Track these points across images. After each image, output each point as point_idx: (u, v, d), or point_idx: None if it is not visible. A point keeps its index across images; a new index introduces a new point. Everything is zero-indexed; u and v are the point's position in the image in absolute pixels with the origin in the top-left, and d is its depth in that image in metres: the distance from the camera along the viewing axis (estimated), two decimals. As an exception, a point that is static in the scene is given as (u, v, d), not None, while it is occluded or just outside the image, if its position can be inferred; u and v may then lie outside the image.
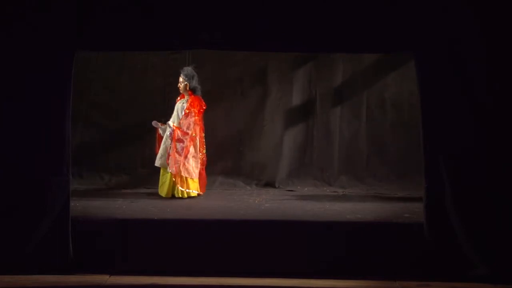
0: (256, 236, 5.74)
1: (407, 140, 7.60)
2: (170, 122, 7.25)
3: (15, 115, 5.54)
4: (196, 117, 7.22)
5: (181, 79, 7.31)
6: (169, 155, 7.14)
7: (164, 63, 8.10)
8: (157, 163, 7.29)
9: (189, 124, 7.18)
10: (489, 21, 5.56)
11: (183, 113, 7.23)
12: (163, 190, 7.23)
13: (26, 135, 5.55)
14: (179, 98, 7.41)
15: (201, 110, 7.30)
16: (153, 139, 8.14)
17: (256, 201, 7.02)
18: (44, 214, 5.53)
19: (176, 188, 7.16)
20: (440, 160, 5.58)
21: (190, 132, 7.18)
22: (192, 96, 7.29)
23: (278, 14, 5.63)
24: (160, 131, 7.35)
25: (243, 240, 5.72)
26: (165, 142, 7.25)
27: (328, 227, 5.84)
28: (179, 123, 7.21)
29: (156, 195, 7.30)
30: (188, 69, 7.34)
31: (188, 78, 7.29)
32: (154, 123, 7.32)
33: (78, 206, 6.29)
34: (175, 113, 7.32)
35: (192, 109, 7.21)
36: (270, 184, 8.16)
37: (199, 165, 7.27)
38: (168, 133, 7.21)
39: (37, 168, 5.55)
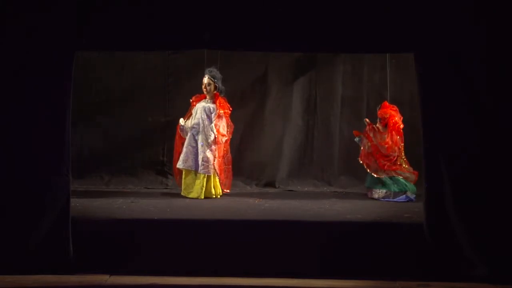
0: (256, 236, 5.74)
1: (407, 140, 7.58)
2: (213, 126, 7.12)
3: (15, 115, 5.53)
4: (226, 119, 7.22)
5: (208, 81, 7.18)
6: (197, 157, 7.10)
7: (164, 63, 8.10)
8: (181, 165, 7.17)
9: (224, 126, 7.17)
10: (489, 21, 5.55)
11: (215, 114, 7.15)
12: (196, 192, 7.11)
13: (26, 135, 5.54)
14: (194, 98, 7.34)
15: (229, 112, 7.28)
16: (152, 138, 8.15)
17: (256, 201, 7.02)
18: (44, 214, 5.53)
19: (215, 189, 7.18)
20: (440, 160, 5.59)
21: (225, 134, 7.19)
22: (220, 97, 7.23)
23: (279, 14, 5.62)
24: (182, 133, 7.24)
25: (243, 240, 5.72)
26: (189, 144, 7.16)
27: (328, 227, 5.84)
28: (214, 125, 7.12)
29: (156, 195, 7.30)
30: (214, 70, 7.24)
31: (217, 79, 7.21)
32: (181, 122, 7.20)
33: (78, 206, 6.28)
34: (198, 115, 7.17)
35: (223, 111, 7.18)
36: (270, 184, 8.16)
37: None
38: (213, 137, 7.10)
39: (37, 168, 5.54)
